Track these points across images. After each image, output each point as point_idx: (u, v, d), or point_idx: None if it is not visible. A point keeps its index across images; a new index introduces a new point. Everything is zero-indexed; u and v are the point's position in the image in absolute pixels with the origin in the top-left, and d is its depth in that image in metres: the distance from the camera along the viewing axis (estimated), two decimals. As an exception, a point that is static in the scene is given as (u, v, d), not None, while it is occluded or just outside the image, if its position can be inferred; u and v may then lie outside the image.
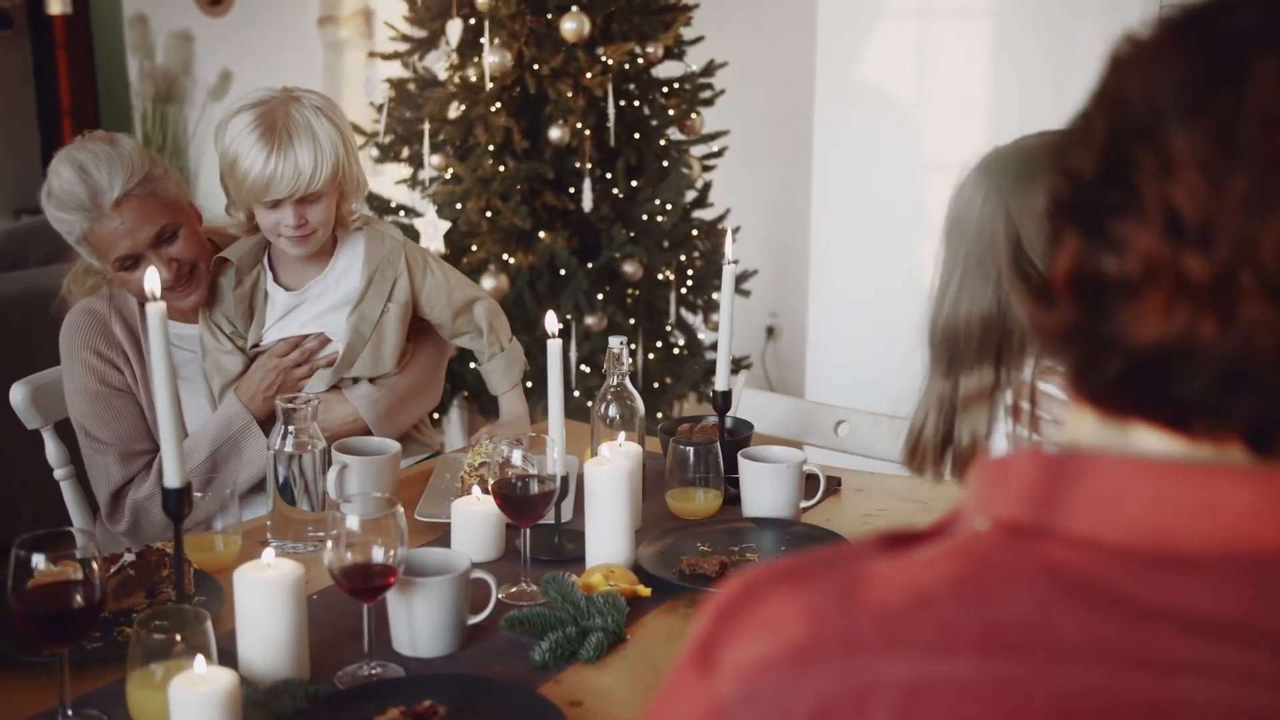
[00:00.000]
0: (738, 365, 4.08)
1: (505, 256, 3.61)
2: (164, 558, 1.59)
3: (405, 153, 3.83)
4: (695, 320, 3.95)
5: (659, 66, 3.85)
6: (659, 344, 3.85)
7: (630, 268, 3.65)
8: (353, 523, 1.41)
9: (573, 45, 3.60)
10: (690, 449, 1.92)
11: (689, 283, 3.83)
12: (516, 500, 1.65)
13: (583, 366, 3.67)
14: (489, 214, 3.63)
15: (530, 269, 3.65)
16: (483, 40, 3.67)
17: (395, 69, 4.16)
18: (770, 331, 5.24)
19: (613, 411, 2.00)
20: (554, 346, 1.74)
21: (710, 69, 3.85)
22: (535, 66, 3.61)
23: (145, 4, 6.97)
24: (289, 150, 1.96)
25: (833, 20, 3.66)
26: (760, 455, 1.93)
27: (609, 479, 1.69)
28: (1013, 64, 3.44)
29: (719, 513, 1.93)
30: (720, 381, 2.05)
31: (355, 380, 2.18)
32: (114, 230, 2.00)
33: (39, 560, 1.29)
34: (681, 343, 3.89)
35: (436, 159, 3.72)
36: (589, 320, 3.62)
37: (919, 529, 0.71)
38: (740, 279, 3.92)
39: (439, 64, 4.10)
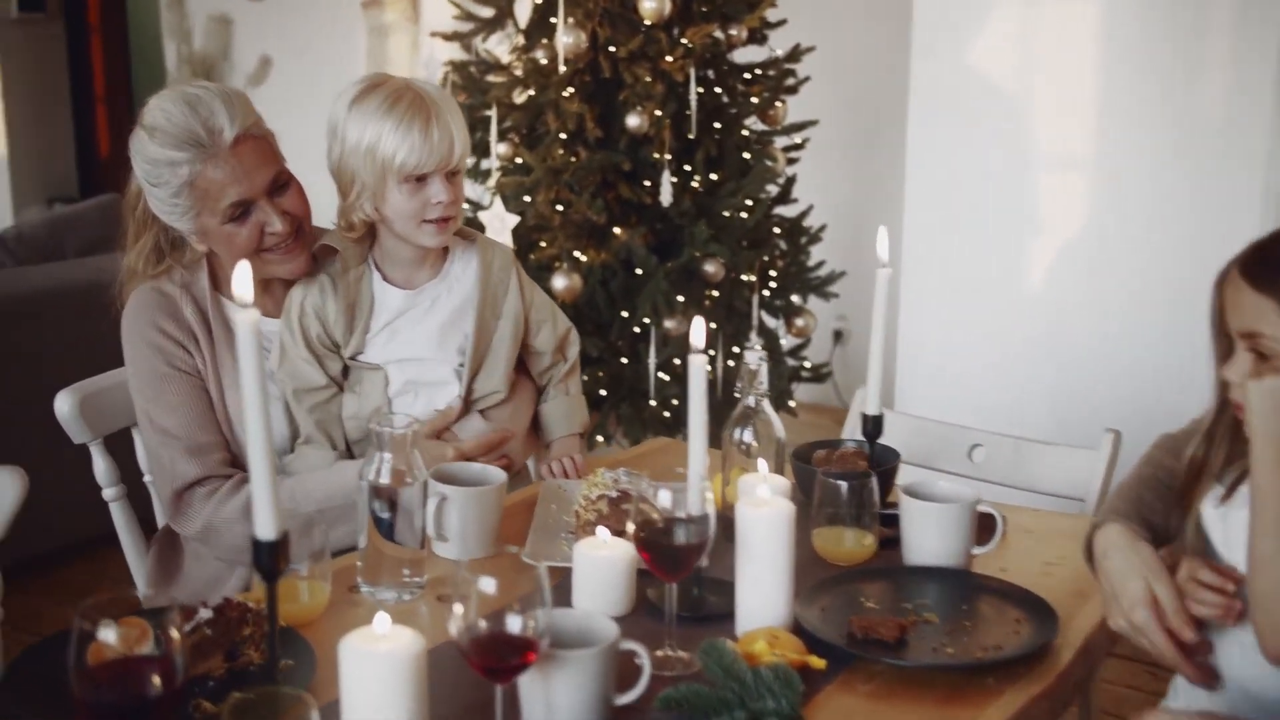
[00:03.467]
0: (818, 373, 3.81)
1: (577, 254, 3.35)
2: (246, 613, 1.33)
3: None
4: (777, 325, 3.68)
5: (738, 52, 3.58)
6: (736, 349, 3.58)
7: (711, 268, 3.38)
8: (488, 585, 1.14)
9: (651, 26, 3.33)
10: (843, 484, 1.66)
11: (771, 284, 3.56)
12: (667, 550, 1.38)
13: (660, 374, 3.40)
14: (559, 207, 3.37)
15: (604, 267, 3.39)
16: (553, 20, 3.40)
17: (453, 51, 3.91)
18: (838, 336, 4.97)
19: (748, 436, 1.74)
20: (697, 364, 1.47)
21: (796, 54, 3.57)
22: (611, 48, 3.35)
23: (183, -14, 6.74)
24: (441, 118, 1.84)
25: (929, 3, 3.38)
26: (924, 491, 1.66)
27: (769, 525, 1.43)
28: (1124, 49, 3.15)
29: (874, 557, 1.67)
30: (871, 404, 1.79)
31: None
32: (229, 173, 1.82)
33: (109, 634, 1.03)
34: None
35: (503, 147, 3.46)
36: (668, 323, 3.35)
37: None
38: (825, 281, 3.65)
39: (500, 47, 3.85)
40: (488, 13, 3.62)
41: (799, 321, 3.61)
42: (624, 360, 3.44)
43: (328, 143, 1.92)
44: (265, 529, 1.10)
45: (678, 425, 3.53)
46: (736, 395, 1.77)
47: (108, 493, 2.07)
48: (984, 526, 1.68)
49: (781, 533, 1.43)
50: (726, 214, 3.42)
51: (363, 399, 1.92)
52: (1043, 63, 3.29)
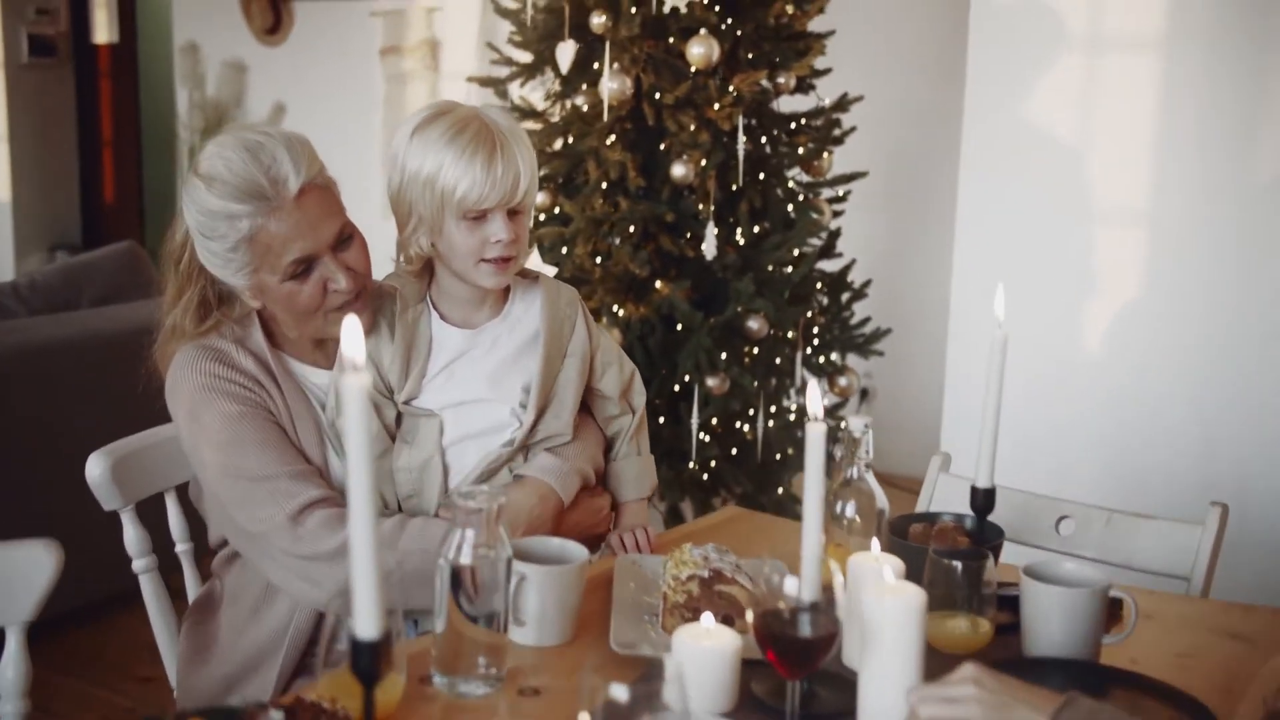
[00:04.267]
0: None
1: (616, 308, 3.22)
2: (319, 714, 1.18)
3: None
4: (820, 383, 3.54)
5: (781, 100, 3.47)
6: (774, 408, 3.44)
7: (755, 324, 3.25)
8: (620, 693, 1.00)
9: (698, 73, 3.22)
10: (958, 564, 1.51)
11: (815, 341, 3.43)
12: (795, 644, 1.24)
13: (702, 435, 3.25)
14: (599, 259, 3.24)
15: (643, 322, 3.26)
16: (596, 66, 3.29)
17: (486, 96, 3.80)
18: (864, 394, 4.82)
19: (850, 510, 1.59)
20: (816, 434, 1.33)
21: (844, 103, 3.46)
22: (656, 95, 3.23)
23: (197, 31, 6.65)
24: (509, 153, 1.71)
25: (985, 53, 3.27)
26: (1047, 573, 1.51)
27: (901, 615, 1.28)
28: (1184, 103, 3.04)
29: (989, 645, 1.52)
30: (983, 475, 1.64)
31: (524, 454, 1.82)
32: (292, 227, 1.69)
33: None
34: (793, 408, 3.47)
35: (541, 196, 3.33)
36: (710, 382, 3.22)
37: None
38: (870, 339, 3.51)
39: (536, 94, 3.73)
40: (526, 58, 3.50)
41: (841, 381, 3.48)
42: (662, 419, 3.29)
43: (387, 171, 1.81)
44: (366, 626, 0.96)
45: (716, 488, 3.39)
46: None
47: (139, 563, 1.92)
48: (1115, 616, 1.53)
49: (914, 623, 1.28)
50: (770, 268, 3.30)
51: (415, 449, 1.78)
52: (1101, 117, 3.18)
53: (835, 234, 3.49)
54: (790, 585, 1.25)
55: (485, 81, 3.55)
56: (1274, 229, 2.96)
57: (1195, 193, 3.05)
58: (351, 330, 0.95)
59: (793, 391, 3.43)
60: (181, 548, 1.99)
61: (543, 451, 1.83)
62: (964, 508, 1.77)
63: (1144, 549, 1.99)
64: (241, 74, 6.65)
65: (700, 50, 3.17)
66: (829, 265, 3.62)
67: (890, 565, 1.41)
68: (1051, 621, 1.48)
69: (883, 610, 1.28)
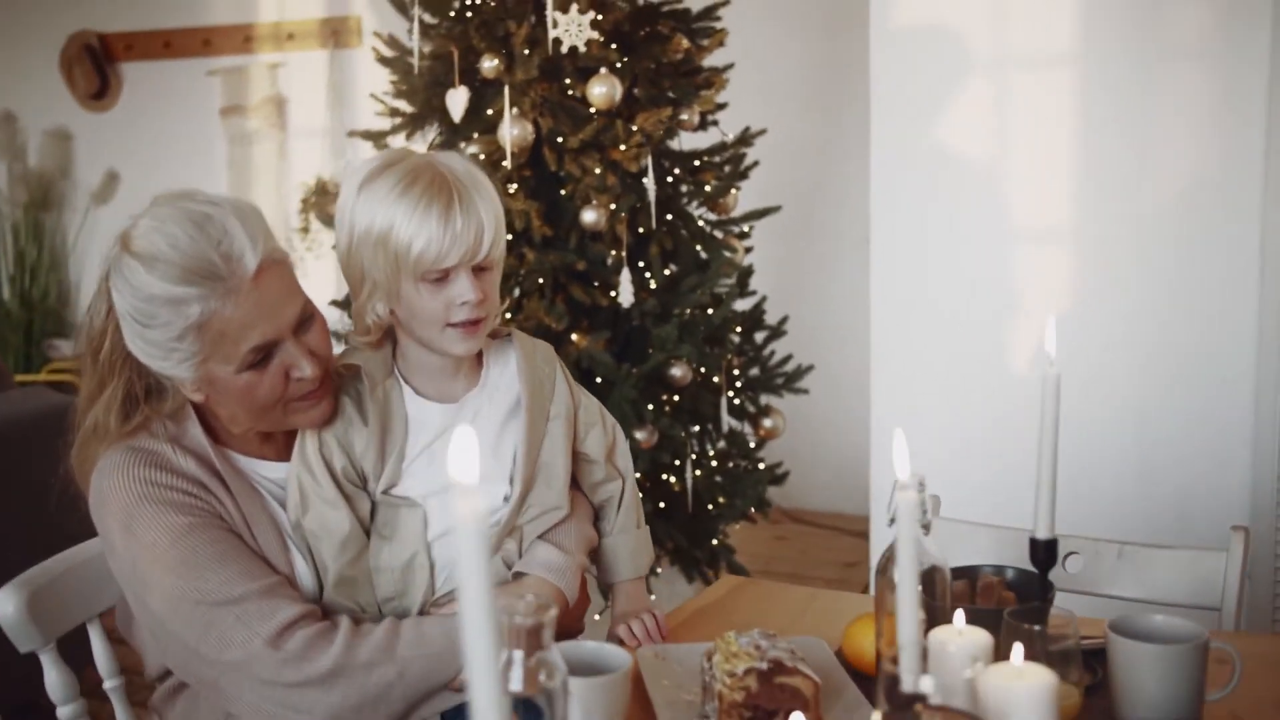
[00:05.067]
0: (775, 476, 3.53)
1: (532, 365, 3.01)
2: None
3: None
4: (740, 427, 3.40)
5: (680, 138, 3.34)
6: (697, 458, 3.28)
7: (679, 370, 3.09)
8: None
9: (600, 113, 3.06)
10: (1039, 628, 1.36)
11: (736, 384, 3.28)
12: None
13: (636, 492, 3.07)
14: (509, 314, 3.04)
15: (562, 378, 3.06)
16: (490, 111, 3.10)
17: (368, 150, 3.57)
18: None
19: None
20: (908, 504, 1.17)
21: (746, 138, 3.34)
22: (559, 139, 3.06)
23: (13, 100, 6.21)
24: (468, 204, 1.51)
25: (888, 79, 3.20)
26: (1136, 629, 1.38)
27: (1033, 702, 1.12)
28: (1100, 116, 3.02)
29: (1080, 714, 1.38)
30: (1042, 526, 1.51)
31: (517, 537, 1.62)
32: (252, 309, 1.46)
33: None
34: (732, 454, 3.32)
35: (440, 253, 3.11)
36: (639, 435, 3.04)
37: None
38: (792, 376, 3.39)
39: (419, 147, 3.52)
40: (410, 109, 3.29)
41: (766, 422, 3.34)
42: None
43: (336, 232, 1.59)
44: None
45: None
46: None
47: (66, 711, 1.64)
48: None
49: (1047, 710, 1.13)
50: (688, 312, 3.14)
51: (396, 545, 1.57)
52: (1013, 137, 3.13)
53: (748, 272, 3.36)
54: (926, 685, 1.08)
55: (371, 135, 3.31)
56: (1191, 236, 2.94)
57: (1114, 205, 3.02)
58: (464, 444, 0.75)
59: (720, 440, 3.27)
60: (111, 684, 1.72)
61: (540, 542, 1.63)
62: (956, 553, 1.64)
63: (1164, 581, 1.89)
64: (66, 143, 6.24)
65: (602, 90, 3.01)
66: (742, 304, 3.49)
67: (971, 639, 1.25)
68: (1150, 682, 1.35)
69: (1016, 697, 1.12)
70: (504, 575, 1.60)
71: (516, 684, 1.16)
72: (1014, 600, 1.58)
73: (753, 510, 3.35)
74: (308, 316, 1.53)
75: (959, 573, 1.64)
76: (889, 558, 1.47)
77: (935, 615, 1.43)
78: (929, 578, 1.44)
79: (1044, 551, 1.51)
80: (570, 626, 1.67)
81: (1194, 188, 2.92)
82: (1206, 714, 1.38)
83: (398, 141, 3.38)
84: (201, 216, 1.45)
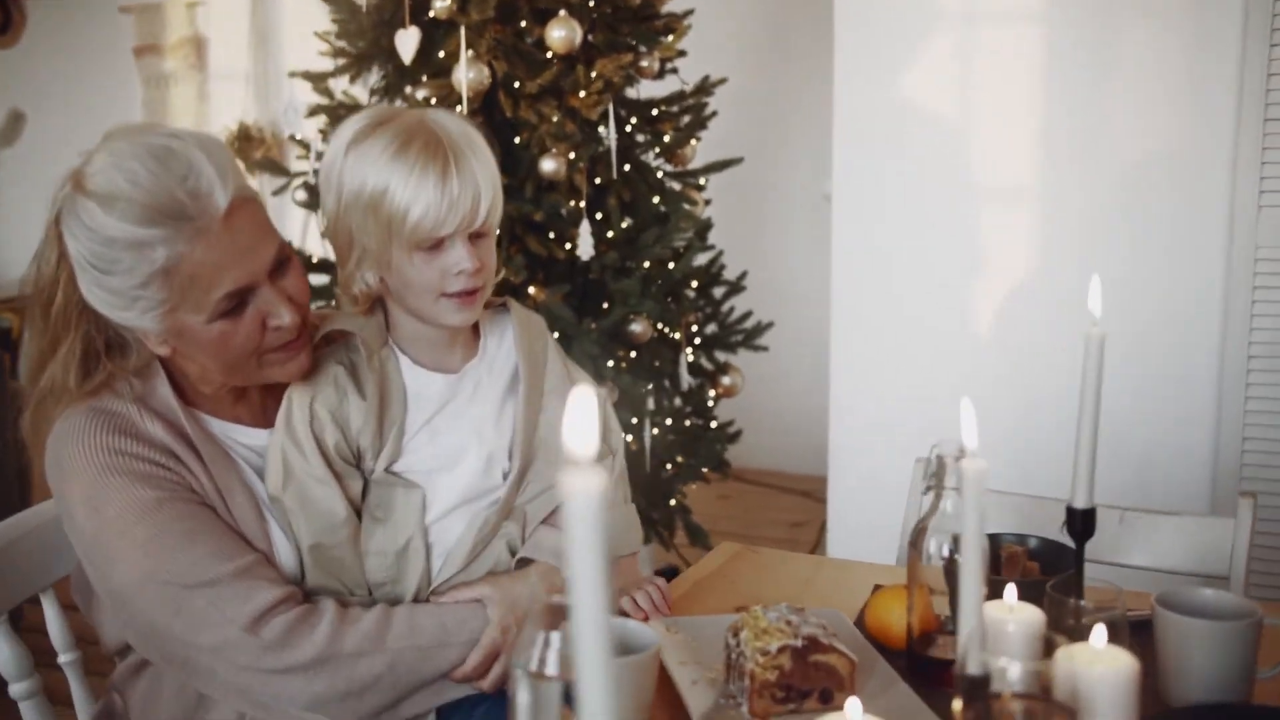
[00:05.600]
0: (727, 434, 3.45)
1: (487, 320, 2.89)
2: None
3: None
4: (696, 384, 3.31)
5: (640, 87, 3.22)
6: (657, 416, 3.19)
7: (639, 326, 2.99)
8: None
9: (561, 58, 2.93)
10: (1084, 602, 1.30)
11: (695, 340, 3.19)
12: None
13: (594, 451, 2.97)
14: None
15: (517, 334, 2.94)
16: (441, 54, 2.96)
17: (305, 92, 3.39)
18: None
19: (944, 549, 1.36)
20: (974, 473, 1.09)
21: (706, 86, 3.23)
22: (515, 85, 2.92)
23: (-91, 35, 5.86)
24: (465, 167, 1.39)
25: (852, 30, 3.11)
26: (1183, 602, 1.32)
27: (1117, 689, 1.05)
28: (1067, 72, 2.96)
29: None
30: (1081, 495, 1.44)
31: (518, 520, 1.51)
32: (225, 251, 1.33)
33: None
34: (687, 412, 3.24)
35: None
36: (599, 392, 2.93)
37: None
38: (751, 333, 3.31)
39: (359, 90, 3.36)
40: (352, 50, 3.12)
41: (725, 380, 3.26)
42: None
43: (321, 194, 1.47)
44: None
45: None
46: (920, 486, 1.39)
47: (19, 688, 1.51)
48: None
49: (1131, 697, 1.05)
50: (647, 265, 3.04)
51: (391, 528, 1.45)
52: (980, 93, 3.07)
53: (707, 225, 3.26)
54: (1013, 673, 1.00)
55: (312, 77, 3.14)
56: (1158, 199, 2.91)
57: (1081, 166, 2.97)
58: (585, 403, 0.64)
59: (676, 398, 3.18)
60: (66, 658, 1.59)
61: (545, 527, 1.52)
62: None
63: (1169, 549, 1.85)
64: (-33, 80, 5.91)
65: (561, 34, 2.88)
66: (698, 260, 3.39)
67: (1024, 617, 1.18)
68: (1199, 660, 1.28)
69: (1100, 686, 1.05)
70: (506, 561, 1.49)
71: (552, 668, 1.07)
72: (1038, 571, 1.52)
73: (705, 470, 3.27)
74: (284, 259, 1.40)
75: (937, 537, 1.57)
76: (921, 528, 1.39)
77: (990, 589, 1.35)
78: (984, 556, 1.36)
79: (1082, 521, 1.44)
80: None
81: (1163, 150, 2.89)
82: (1262, 695, 1.33)
83: (340, 85, 3.22)
84: (163, 150, 1.31)
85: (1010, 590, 1.25)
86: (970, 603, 1.10)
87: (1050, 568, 1.52)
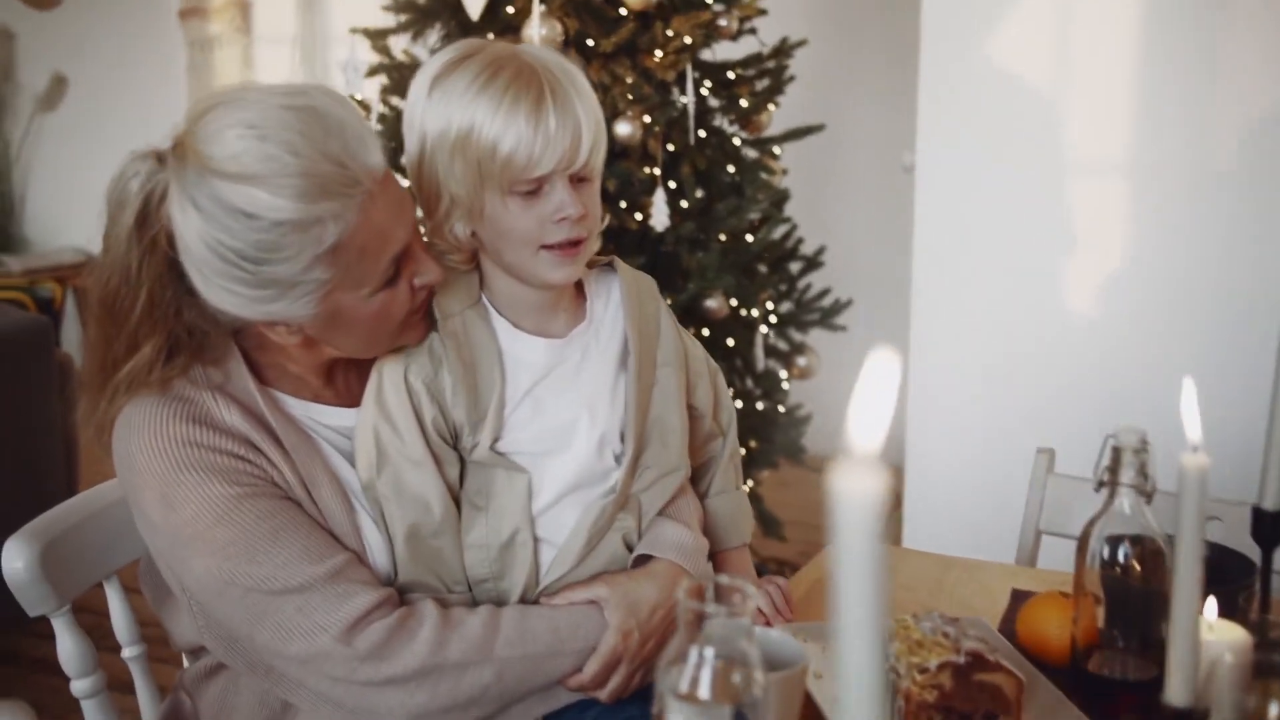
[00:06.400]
0: (797, 420, 3.30)
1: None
2: None
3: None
4: (772, 365, 3.15)
5: (713, 49, 3.06)
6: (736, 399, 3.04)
7: (715, 302, 2.83)
8: None
9: (634, 16, 2.78)
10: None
11: (771, 319, 3.04)
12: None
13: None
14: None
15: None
16: (511, 10, 2.80)
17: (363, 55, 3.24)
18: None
19: (1120, 555, 1.20)
20: (1195, 469, 0.94)
21: (785, 48, 3.06)
22: (589, 43, 2.77)
23: (-49, -3, 5.76)
24: (564, 100, 1.24)
25: (941, -10, 2.93)
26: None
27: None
28: (1166, 40, 2.78)
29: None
30: (1271, 493, 1.28)
31: (633, 510, 1.36)
32: (388, 213, 1.19)
33: None
34: (759, 395, 3.08)
35: (454, 167, 2.82)
36: (672, 372, 2.78)
37: None
38: (830, 312, 3.15)
39: (420, 49, 3.21)
40: (409, 12, 2.97)
41: (801, 361, 3.10)
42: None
43: (406, 139, 1.32)
44: None
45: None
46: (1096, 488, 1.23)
47: (82, 685, 1.38)
48: None
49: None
50: (723, 238, 2.89)
51: (495, 518, 1.30)
52: (1077, 56, 2.89)
53: (784, 197, 3.10)
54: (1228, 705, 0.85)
55: (376, 34, 2.99)
56: (1269, 174, 2.73)
57: (1189, 132, 2.79)
58: (880, 378, 0.49)
59: (748, 379, 3.03)
60: (131, 652, 1.46)
61: (665, 520, 1.38)
62: (1078, 516, 1.41)
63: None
64: (9, 43, 5.80)
65: (640, -12, 2.72)
66: (775, 232, 3.24)
67: (1231, 637, 1.03)
68: None
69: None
70: (623, 558, 1.35)
71: (706, 689, 0.92)
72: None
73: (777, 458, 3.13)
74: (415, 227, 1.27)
75: (1115, 541, 1.42)
76: (1088, 531, 1.24)
77: (1154, 603, 1.20)
78: (1144, 556, 1.21)
79: (1271, 524, 1.28)
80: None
81: (1269, 120, 2.71)
82: None
83: (401, 42, 3.08)
84: (307, 110, 1.16)
85: (1210, 605, 1.10)
86: (1184, 624, 0.96)
87: (1219, 578, 1.36)
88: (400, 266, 1.22)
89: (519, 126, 1.23)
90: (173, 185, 1.16)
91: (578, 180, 1.28)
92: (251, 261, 1.15)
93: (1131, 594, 1.21)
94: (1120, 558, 1.20)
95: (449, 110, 1.25)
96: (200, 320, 1.23)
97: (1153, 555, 1.20)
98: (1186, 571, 0.95)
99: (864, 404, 0.50)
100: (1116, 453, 1.20)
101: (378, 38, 3.00)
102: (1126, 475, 1.20)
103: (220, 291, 1.18)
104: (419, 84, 1.29)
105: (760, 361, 2.97)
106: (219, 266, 1.16)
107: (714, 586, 0.96)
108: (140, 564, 1.40)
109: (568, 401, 1.33)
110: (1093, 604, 1.23)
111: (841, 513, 0.51)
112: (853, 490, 0.50)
